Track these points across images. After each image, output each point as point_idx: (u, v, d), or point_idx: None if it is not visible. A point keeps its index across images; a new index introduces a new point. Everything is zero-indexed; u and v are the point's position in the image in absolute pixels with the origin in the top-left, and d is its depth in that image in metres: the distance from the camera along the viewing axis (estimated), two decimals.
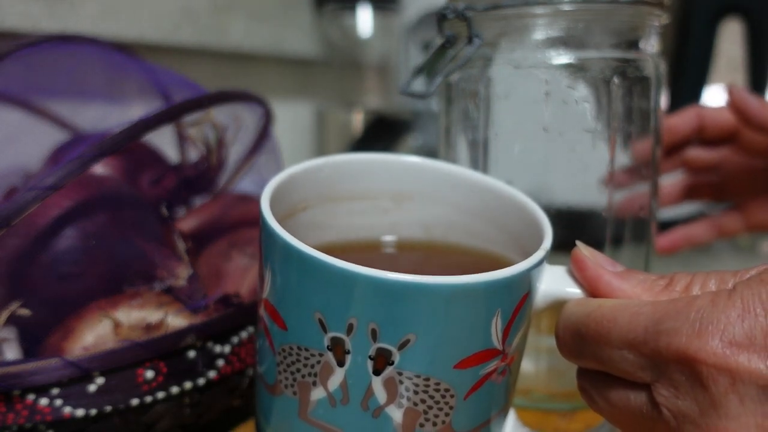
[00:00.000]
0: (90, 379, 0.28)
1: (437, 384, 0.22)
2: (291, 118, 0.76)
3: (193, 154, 0.39)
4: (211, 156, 0.38)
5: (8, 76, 0.37)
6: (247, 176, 0.38)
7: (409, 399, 0.22)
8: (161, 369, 0.29)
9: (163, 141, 0.39)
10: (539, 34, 0.33)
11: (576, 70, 0.33)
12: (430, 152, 0.75)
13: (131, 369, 0.29)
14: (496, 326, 0.22)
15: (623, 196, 0.35)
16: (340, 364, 0.22)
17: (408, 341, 0.22)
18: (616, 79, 0.33)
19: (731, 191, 0.47)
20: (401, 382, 0.22)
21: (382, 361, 0.22)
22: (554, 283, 0.24)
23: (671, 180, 0.48)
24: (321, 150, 0.77)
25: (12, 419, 0.27)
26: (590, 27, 0.33)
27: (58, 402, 0.27)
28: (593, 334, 0.21)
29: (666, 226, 0.49)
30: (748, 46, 0.70)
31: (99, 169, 0.34)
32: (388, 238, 0.31)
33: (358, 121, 0.74)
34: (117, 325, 0.30)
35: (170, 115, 0.31)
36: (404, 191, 0.30)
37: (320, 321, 0.22)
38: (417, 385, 0.22)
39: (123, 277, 0.32)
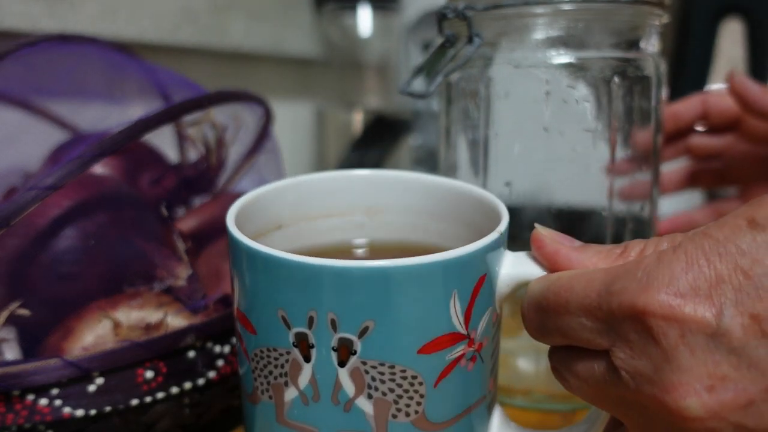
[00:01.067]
0: (90, 380, 0.28)
1: (403, 371, 0.22)
2: (291, 118, 0.76)
3: (193, 154, 0.39)
4: (211, 156, 0.38)
5: (8, 76, 0.37)
6: (247, 176, 0.38)
7: (377, 389, 0.22)
8: (161, 369, 0.29)
9: (163, 141, 0.39)
10: (539, 34, 0.33)
11: (576, 69, 0.33)
12: (430, 152, 0.75)
13: (131, 369, 0.29)
14: (455, 308, 0.22)
15: (624, 187, 0.35)
16: (307, 359, 0.23)
17: (367, 328, 0.22)
18: (616, 79, 0.33)
19: (734, 178, 0.46)
20: (367, 372, 0.22)
21: (345, 351, 0.22)
22: (516, 266, 0.24)
23: (674, 166, 0.48)
24: (321, 150, 0.77)
25: (11, 419, 0.27)
26: (590, 26, 0.33)
27: (58, 402, 0.27)
28: (553, 305, 0.21)
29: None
30: (748, 46, 0.70)
31: (99, 169, 0.34)
32: (361, 241, 0.31)
33: (358, 121, 0.74)
34: (117, 325, 0.30)
35: (170, 115, 0.31)
36: (376, 205, 0.30)
37: (283, 318, 0.22)
38: (383, 374, 0.22)
39: (123, 277, 0.32)
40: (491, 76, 0.34)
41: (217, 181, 0.38)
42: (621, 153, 0.34)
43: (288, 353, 0.23)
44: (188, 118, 0.35)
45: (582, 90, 0.33)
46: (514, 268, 0.24)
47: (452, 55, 0.34)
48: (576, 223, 0.35)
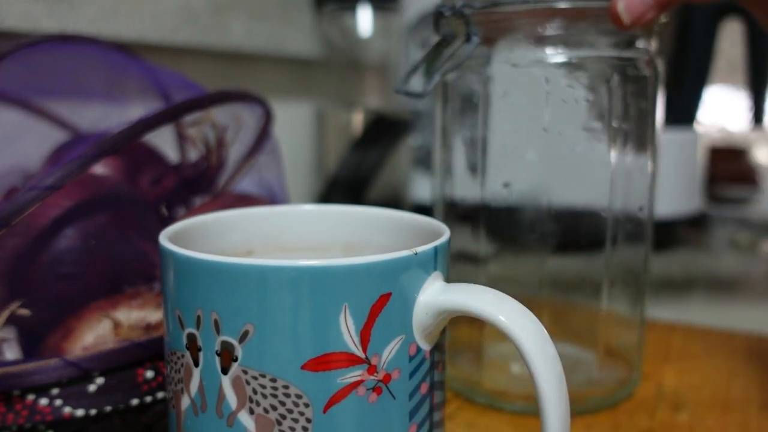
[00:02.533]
0: (90, 379, 0.28)
1: (286, 387, 0.21)
2: (291, 118, 0.76)
3: (193, 154, 0.39)
4: (211, 156, 0.38)
5: (8, 76, 0.37)
6: (247, 176, 0.38)
7: (258, 404, 0.21)
8: (161, 369, 0.29)
9: (163, 141, 0.39)
10: (537, 33, 0.33)
11: (575, 68, 0.33)
12: (430, 152, 0.75)
13: (131, 369, 0.29)
14: (347, 325, 0.21)
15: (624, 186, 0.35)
16: (196, 363, 0.21)
17: (247, 333, 0.20)
18: (615, 78, 0.33)
19: None
20: (248, 383, 0.21)
21: (227, 356, 0.21)
22: (439, 293, 0.22)
23: None
24: (321, 150, 0.77)
25: (12, 419, 0.27)
26: (589, 25, 0.33)
27: (58, 402, 0.27)
28: None
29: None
30: (748, 46, 0.70)
31: (99, 169, 0.34)
32: None
33: (358, 121, 0.74)
34: (117, 325, 0.30)
35: (170, 115, 0.31)
36: (354, 241, 0.29)
37: (179, 317, 0.22)
38: (264, 387, 0.21)
39: (123, 277, 0.32)
40: (489, 75, 0.34)
41: (217, 181, 0.38)
42: (620, 153, 0.34)
43: (182, 356, 0.22)
44: (188, 118, 0.35)
45: (581, 89, 0.33)
46: (436, 295, 0.22)
47: (449, 54, 0.34)
48: (575, 223, 0.35)
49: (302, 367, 0.21)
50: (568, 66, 0.33)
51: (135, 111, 0.37)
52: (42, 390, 0.27)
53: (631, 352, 0.37)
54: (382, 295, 0.21)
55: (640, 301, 0.37)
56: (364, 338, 0.21)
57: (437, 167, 0.38)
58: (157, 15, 0.57)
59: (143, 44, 0.56)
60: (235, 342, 0.21)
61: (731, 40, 0.72)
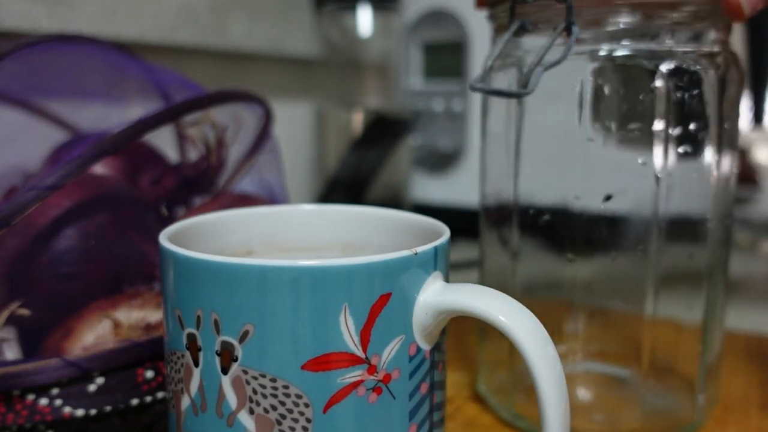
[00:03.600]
0: (90, 379, 0.28)
1: (286, 387, 0.21)
2: (291, 118, 0.76)
3: (193, 154, 0.39)
4: (211, 156, 0.38)
5: (8, 76, 0.37)
6: (247, 176, 0.38)
7: (258, 404, 0.21)
8: (161, 369, 0.29)
9: (163, 141, 0.39)
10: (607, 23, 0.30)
11: (621, 67, 0.31)
12: (430, 152, 0.75)
13: (131, 369, 0.29)
14: (347, 325, 0.20)
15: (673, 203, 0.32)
16: (196, 363, 0.22)
17: (247, 333, 0.20)
18: (666, 77, 0.30)
19: None
20: (248, 383, 0.21)
21: (227, 356, 0.21)
22: (438, 294, 0.22)
23: None
24: (321, 150, 0.77)
25: (12, 419, 0.27)
26: (651, 21, 0.30)
27: (58, 402, 0.27)
28: None
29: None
30: (748, 46, 0.70)
31: (99, 169, 0.34)
32: None
33: (358, 121, 0.74)
34: (117, 325, 0.30)
35: (170, 115, 0.31)
36: (354, 241, 0.29)
37: (179, 317, 0.22)
38: (264, 387, 0.21)
39: (123, 277, 0.32)
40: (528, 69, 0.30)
41: (217, 181, 0.38)
42: (670, 155, 0.31)
43: (182, 356, 0.22)
44: (188, 118, 0.35)
45: (621, 90, 0.31)
46: (435, 295, 0.22)
47: (548, 46, 0.29)
48: (613, 228, 0.33)
49: (302, 367, 0.20)
50: (612, 63, 0.30)
51: (135, 111, 0.37)
52: (42, 390, 0.27)
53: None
54: (382, 295, 0.21)
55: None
56: (364, 338, 0.21)
57: (480, 169, 0.36)
58: (157, 15, 0.57)
59: (143, 44, 0.56)
60: (235, 342, 0.21)
61: (731, 40, 0.72)
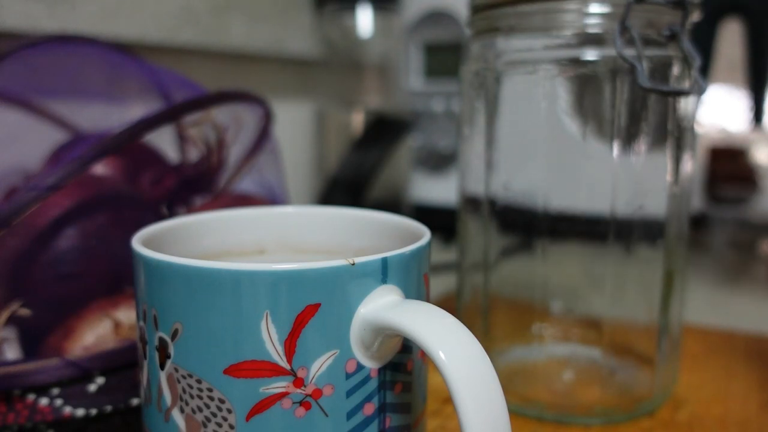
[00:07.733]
0: (90, 379, 0.28)
1: (210, 390, 0.20)
2: (291, 118, 0.76)
3: (193, 154, 0.39)
4: (212, 156, 0.38)
5: (8, 76, 0.37)
6: (248, 176, 0.38)
7: (187, 404, 0.21)
8: None
9: (163, 141, 0.39)
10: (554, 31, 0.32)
11: (585, 68, 0.32)
12: (430, 152, 0.75)
13: (131, 369, 0.29)
14: (269, 333, 0.20)
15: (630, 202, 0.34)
16: (144, 356, 0.22)
17: (177, 331, 0.20)
18: (624, 79, 0.32)
19: None
20: (179, 381, 0.21)
21: (163, 352, 0.21)
22: (381, 311, 0.20)
23: None
24: (321, 150, 0.77)
25: (12, 419, 0.27)
26: (613, 24, 0.31)
27: (59, 402, 0.27)
28: None
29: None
30: (748, 46, 0.70)
31: (99, 169, 0.34)
32: None
33: (358, 121, 0.74)
34: (117, 325, 0.30)
35: (170, 115, 0.31)
36: (365, 246, 0.28)
37: (140, 311, 0.23)
38: (191, 387, 0.21)
39: (123, 277, 0.32)
40: (500, 71, 0.33)
41: (217, 182, 0.38)
42: (629, 154, 0.33)
43: (139, 348, 0.23)
44: (189, 118, 0.35)
45: (586, 91, 0.33)
46: (376, 311, 0.20)
47: (687, 49, 0.31)
48: (579, 226, 0.35)
49: (224, 372, 0.20)
50: (578, 65, 0.32)
51: (135, 111, 0.37)
52: (42, 390, 0.27)
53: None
54: (309, 306, 0.20)
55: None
56: (289, 349, 0.20)
57: (459, 165, 0.37)
58: (158, 15, 0.57)
59: (143, 44, 0.56)
60: (168, 339, 0.21)
61: (731, 40, 0.72)
